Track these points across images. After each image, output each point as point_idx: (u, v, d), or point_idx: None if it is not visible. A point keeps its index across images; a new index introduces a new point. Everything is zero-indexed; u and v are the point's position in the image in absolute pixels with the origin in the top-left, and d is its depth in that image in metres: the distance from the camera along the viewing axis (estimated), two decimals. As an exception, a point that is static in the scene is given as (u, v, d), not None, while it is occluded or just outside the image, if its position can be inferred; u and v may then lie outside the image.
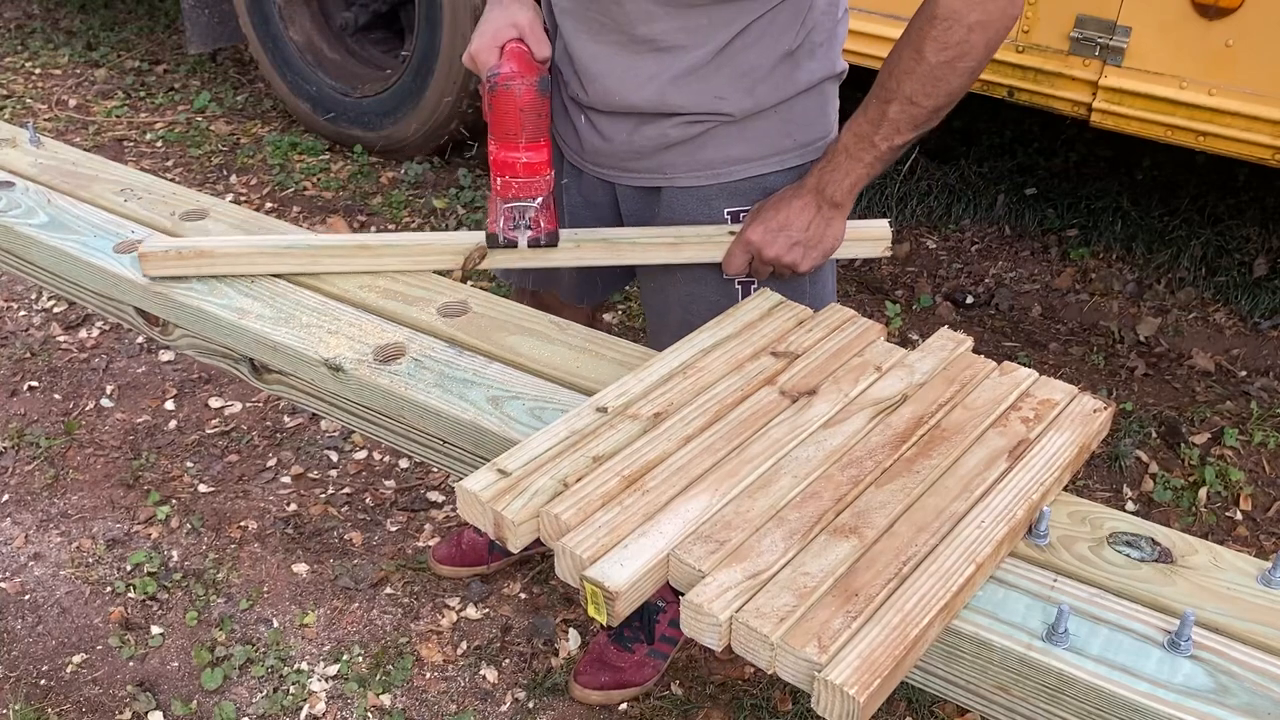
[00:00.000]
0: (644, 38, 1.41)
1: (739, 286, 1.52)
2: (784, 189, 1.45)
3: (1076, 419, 1.13)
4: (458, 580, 2.29)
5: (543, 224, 1.44)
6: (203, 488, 2.52)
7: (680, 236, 1.48)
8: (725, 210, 1.51)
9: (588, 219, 1.63)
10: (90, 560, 2.33)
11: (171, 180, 2.31)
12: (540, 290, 1.85)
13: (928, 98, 1.32)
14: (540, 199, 1.41)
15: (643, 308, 1.76)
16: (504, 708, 2.05)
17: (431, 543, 2.38)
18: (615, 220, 1.62)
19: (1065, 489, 1.11)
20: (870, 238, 1.49)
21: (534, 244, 1.44)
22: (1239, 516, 2.48)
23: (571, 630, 2.19)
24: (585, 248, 1.49)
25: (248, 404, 2.77)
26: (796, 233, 1.41)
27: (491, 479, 1.03)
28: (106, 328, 3.04)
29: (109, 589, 2.26)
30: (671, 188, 1.52)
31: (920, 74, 1.31)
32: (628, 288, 2.80)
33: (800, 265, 1.43)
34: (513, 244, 1.45)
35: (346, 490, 2.52)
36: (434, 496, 2.51)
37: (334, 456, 2.61)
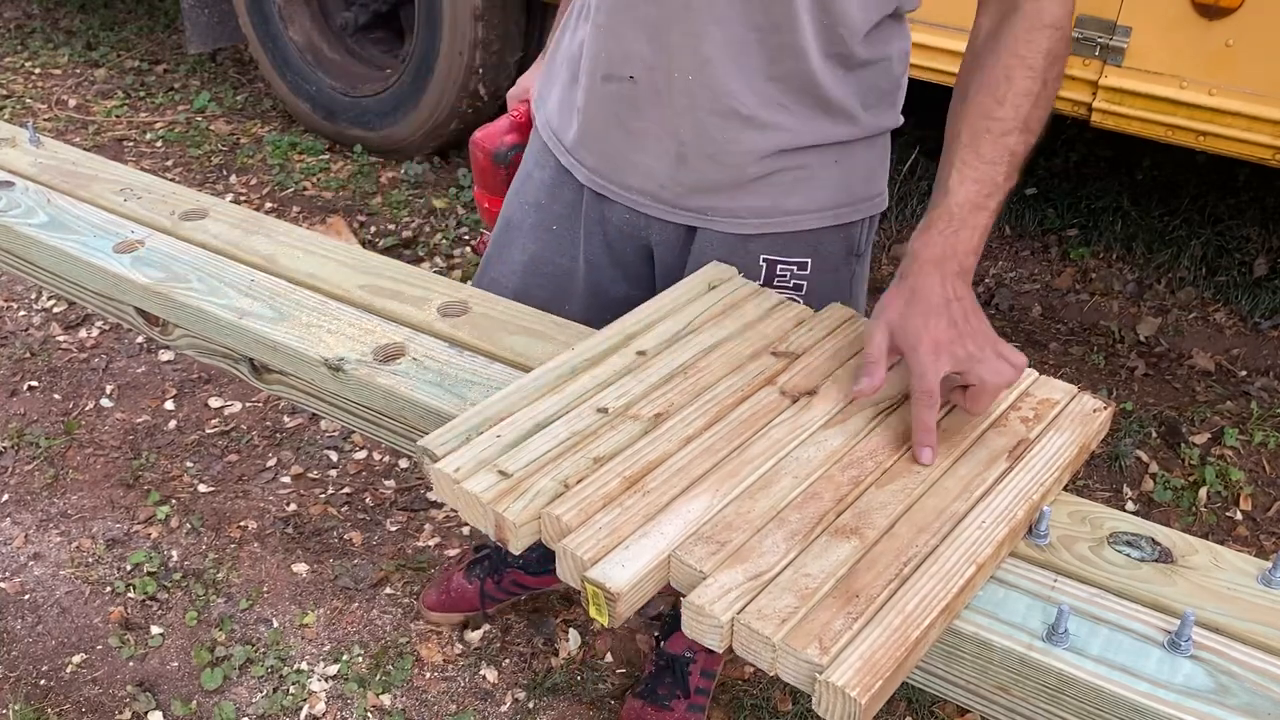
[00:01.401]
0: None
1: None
2: (891, 290, 1.11)
3: (1076, 419, 1.13)
4: (450, 625, 2.21)
5: None
6: (203, 488, 2.52)
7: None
8: (761, 256, 1.38)
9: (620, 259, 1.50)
10: (90, 560, 2.33)
11: (171, 180, 2.31)
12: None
13: (1041, 122, 1.14)
14: None
15: None
16: (504, 708, 2.05)
17: (432, 543, 2.38)
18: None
19: (1065, 489, 1.11)
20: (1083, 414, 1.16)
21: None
22: (1239, 516, 2.48)
23: (572, 630, 2.19)
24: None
25: (248, 404, 2.77)
26: (985, 345, 1.07)
27: (492, 480, 1.03)
28: (106, 328, 3.04)
29: (109, 589, 2.26)
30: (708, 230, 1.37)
31: (1044, 99, 1.14)
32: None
33: (990, 378, 1.07)
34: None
35: (346, 490, 2.52)
36: (434, 496, 2.51)
37: (334, 456, 2.61)
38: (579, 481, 1.03)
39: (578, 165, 1.45)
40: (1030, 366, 1.21)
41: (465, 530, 2.42)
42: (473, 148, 1.67)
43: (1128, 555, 1.03)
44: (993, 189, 1.11)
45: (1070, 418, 1.13)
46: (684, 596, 0.92)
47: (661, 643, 2.04)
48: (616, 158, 1.40)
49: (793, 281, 1.39)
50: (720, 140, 1.32)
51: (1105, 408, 1.14)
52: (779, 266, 1.40)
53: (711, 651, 2.05)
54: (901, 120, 1.44)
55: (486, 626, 2.20)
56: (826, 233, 1.38)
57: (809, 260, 1.39)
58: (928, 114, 4.07)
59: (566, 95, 1.46)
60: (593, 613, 0.94)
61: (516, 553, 1.02)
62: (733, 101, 1.29)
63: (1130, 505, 2.47)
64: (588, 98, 1.39)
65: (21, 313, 3.12)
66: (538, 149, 1.53)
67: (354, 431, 1.84)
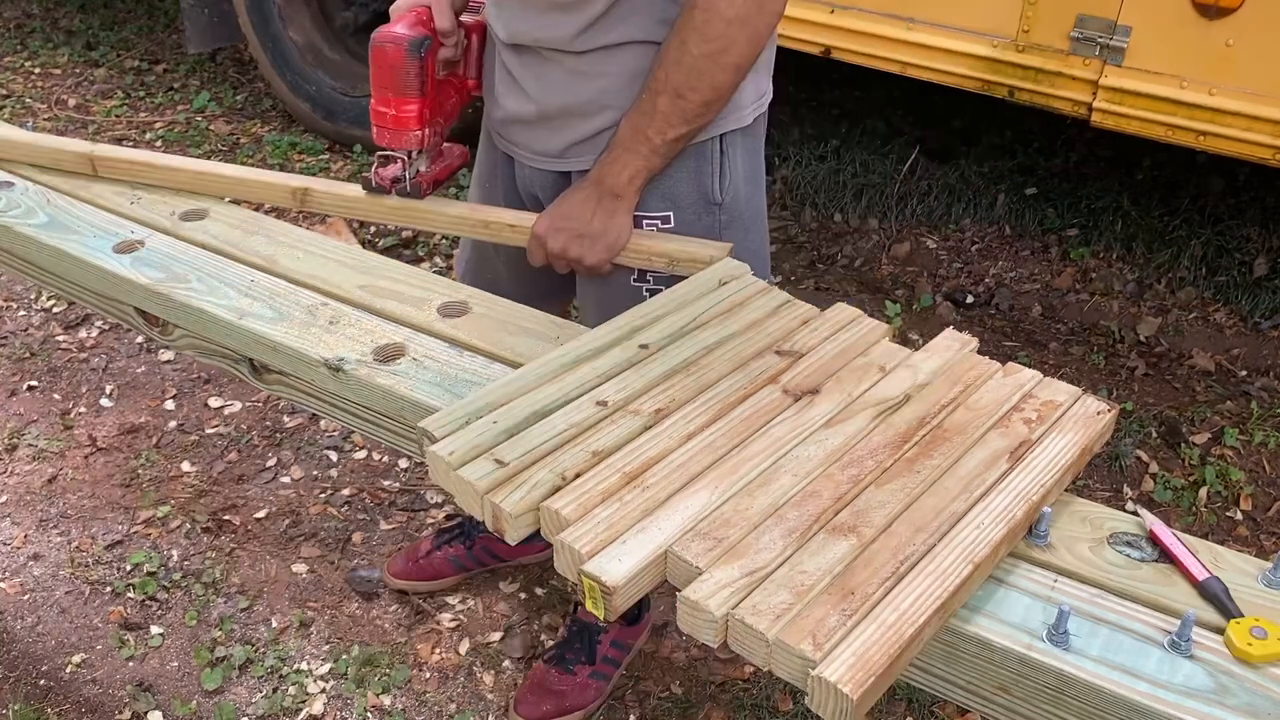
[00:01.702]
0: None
1: (646, 294, 1.52)
2: (574, 185, 1.49)
3: (1079, 421, 1.13)
4: (416, 594, 2.27)
5: (413, 177, 1.58)
6: (202, 488, 2.52)
7: (491, 218, 1.55)
8: None
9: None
10: (90, 560, 2.33)
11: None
12: (492, 289, 1.88)
13: (693, 91, 1.36)
14: (413, 152, 1.56)
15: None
16: (503, 709, 2.05)
17: (431, 543, 2.38)
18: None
19: (1066, 489, 1.11)
20: (700, 259, 1.45)
21: (401, 193, 1.58)
22: (1239, 516, 2.48)
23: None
24: (414, 215, 1.58)
25: (247, 404, 2.77)
26: (579, 225, 1.45)
27: (489, 468, 1.03)
28: (106, 327, 3.04)
29: (108, 589, 2.26)
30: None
31: (685, 66, 1.35)
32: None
33: (585, 259, 1.45)
34: (383, 189, 1.58)
35: (346, 490, 2.52)
36: (434, 496, 2.50)
37: (334, 456, 2.61)
38: (578, 475, 1.03)
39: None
40: (1030, 367, 1.21)
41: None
42: (380, 45, 1.51)
43: (1128, 555, 1.03)
44: (642, 138, 1.40)
45: (1073, 419, 1.13)
46: (679, 591, 0.92)
47: (576, 610, 2.09)
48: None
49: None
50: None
51: (1109, 410, 1.14)
52: (644, 222, 1.52)
53: (630, 624, 2.06)
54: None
55: (486, 627, 2.20)
56: (680, 183, 1.51)
57: (670, 214, 1.52)
58: (927, 114, 4.08)
59: None
60: (590, 606, 0.95)
61: (513, 544, 1.02)
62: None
63: (1130, 505, 2.47)
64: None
65: (21, 313, 3.12)
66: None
67: (354, 431, 1.84)
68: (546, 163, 1.58)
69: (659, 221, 1.52)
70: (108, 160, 1.65)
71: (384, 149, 1.56)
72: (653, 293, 1.52)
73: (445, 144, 1.64)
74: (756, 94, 1.54)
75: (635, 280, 1.54)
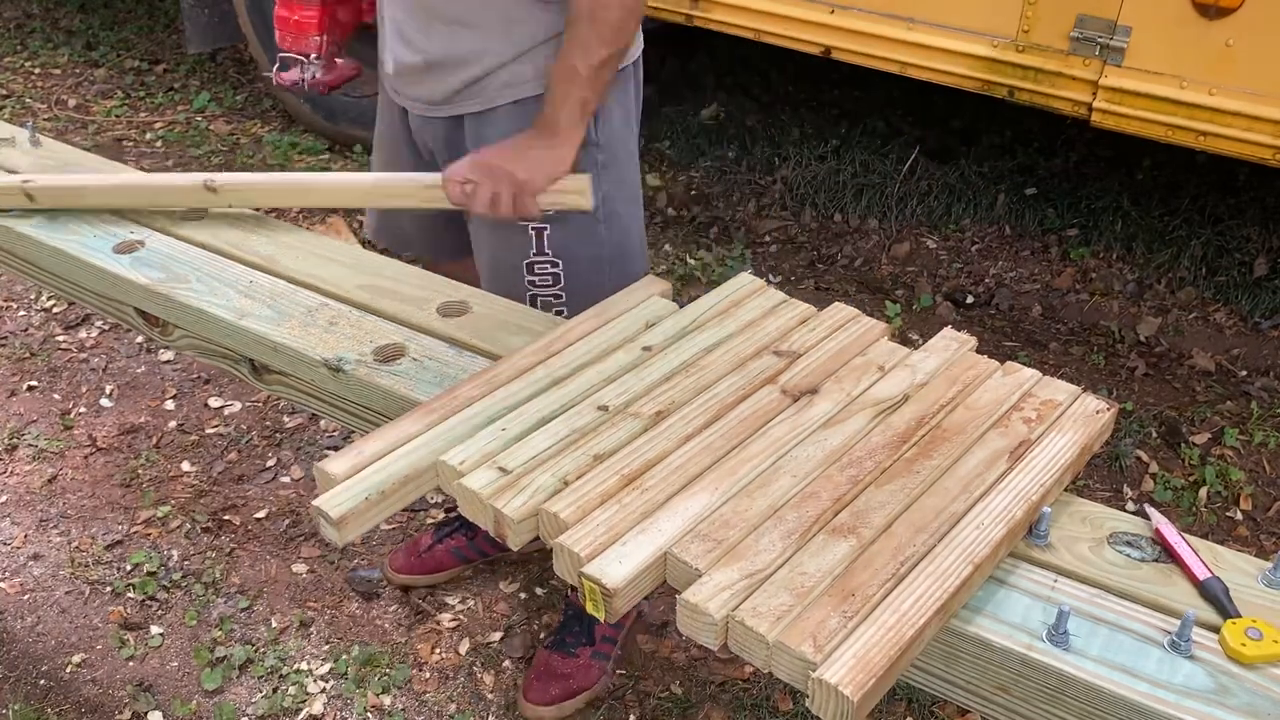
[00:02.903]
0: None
1: (532, 233, 1.61)
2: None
3: (1079, 420, 1.13)
4: (418, 588, 2.28)
5: (312, 80, 1.68)
6: (202, 488, 2.52)
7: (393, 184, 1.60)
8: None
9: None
10: (89, 560, 2.33)
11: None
12: (404, 250, 1.96)
13: (605, 9, 1.44)
14: (313, 55, 1.67)
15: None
16: (503, 709, 2.05)
17: (431, 543, 2.38)
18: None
19: (1066, 489, 1.11)
20: (571, 190, 1.54)
21: (301, 92, 1.69)
22: (1239, 516, 2.48)
23: (571, 630, 2.19)
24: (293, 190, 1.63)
25: (247, 404, 2.77)
26: (520, 149, 1.51)
27: (492, 477, 1.03)
28: (106, 328, 3.04)
29: (108, 589, 2.26)
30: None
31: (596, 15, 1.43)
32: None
33: (519, 172, 1.49)
34: (286, 88, 1.68)
35: (346, 490, 2.52)
36: (433, 496, 2.50)
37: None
38: (578, 478, 1.03)
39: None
40: (1030, 366, 1.21)
41: (465, 530, 2.42)
42: None
43: (1128, 555, 1.03)
44: (571, 71, 1.47)
45: (1072, 419, 1.13)
46: (679, 594, 0.92)
47: (571, 594, 2.11)
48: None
49: None
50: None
51: (1108, 409, 1.14)
52: None
53: None
54: None
55: (486, 627, 2.20)
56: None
57: None
58: (927, 114, 4.07)
59: None
60: (590, 609, 0.95)
61: (515, 549, 1.02)
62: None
63: (1130, 505, 2.47)
64: None
65: (21, 313, 3.12)
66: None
67: (354, 431, 1.85)
68: (436, 109, 1.65)
69: None
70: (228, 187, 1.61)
71: (285, 52, 1.64)
72: (539, 231, 1.61)
73: (339, 59, 1.73)
74: None
75: (520, 220, 1.59)
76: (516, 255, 1.63)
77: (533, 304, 1.65)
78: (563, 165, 1.51)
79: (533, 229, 1.61)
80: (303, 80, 1.65)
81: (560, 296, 1.67)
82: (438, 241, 1.87)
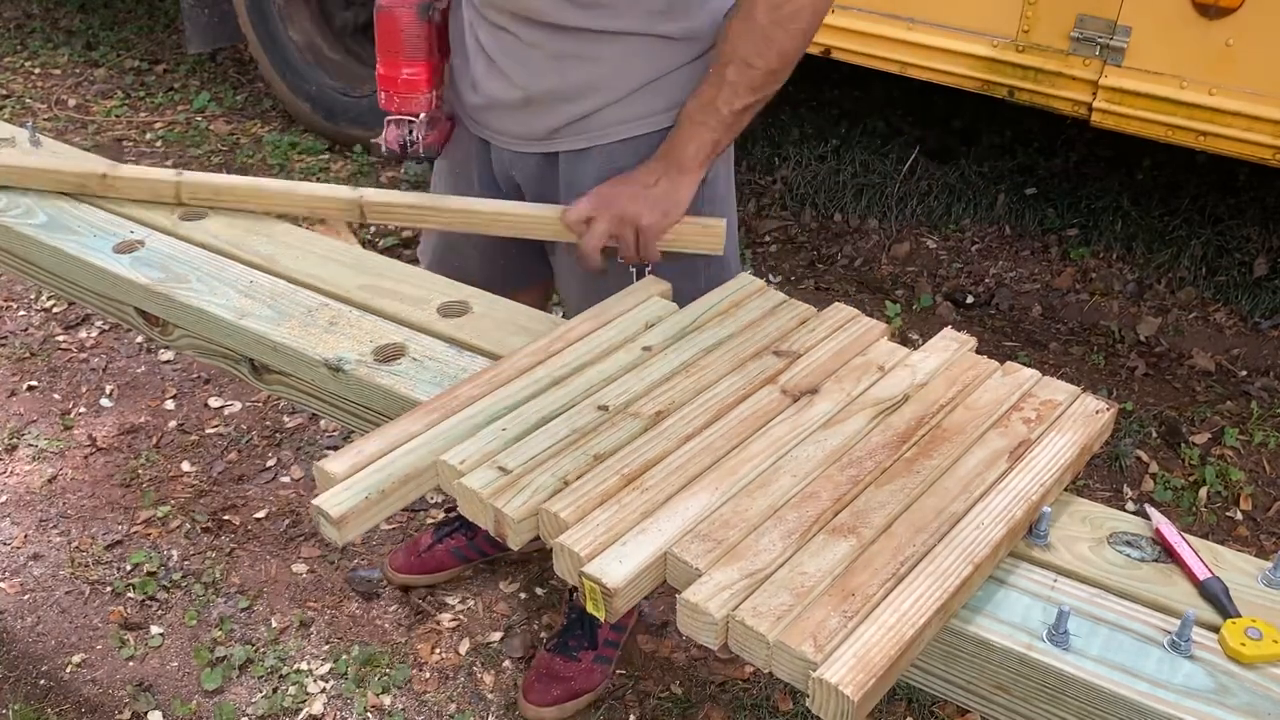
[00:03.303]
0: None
1: (633, 270, 1.53)
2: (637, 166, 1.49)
3: (1079, 420, 1.13)
4: (418, 587, 2.28)
5: (424, 140, 1.57)
6: (202, 488, 2.52)
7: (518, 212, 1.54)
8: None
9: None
10: (90, 560, 2.33)
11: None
12: (459, 278, 1.89)
13: (760, 58, 1.37)
14: (422, 115, 1.56)
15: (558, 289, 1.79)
16: (503, 709, 2.05)
17: (431, 543, 2.38)
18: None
19: (1066, 489, 1.11)
20: (706, 236, 1.49)
21: (413, 156, 1.58)
22: (1239, 516, 2.48)
23: (571, 630, 2.18)
24: (425, 212, 1.57)
25: (247, 404, 2.77)
26: (642, 187, 1.44)
27: (492, 476, 1.03)
28: (106, 328, 3.04)
29: (108, 589, 2.26)
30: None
31: (753, 34, 1.36)
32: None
33: (642, 217, 1.43)
34: (394, 154, 1.57)
35: (346, 490, 2.52)
36: (433, 496, 2.51)
37: (334, 456, 2.61)
38: (578, 478, 1.03)
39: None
40: (1030, 366, 1.21)
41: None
42: (388, 10, 1.51)
43: (1128, 555, 1.03)
44: (710, 110, 1.41)
45: (1072, 419, 1.13)
46: (679, 593, 0.92)
47: (573, 597, 2.11)
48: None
49: None
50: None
51: (1108, 409, 1.14)
52: None
53: None
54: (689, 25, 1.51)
55: (486, 627, 2.20)
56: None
57: None
58: (927, 114, 4.08)
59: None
60: (590, 608, 0.95)
61: (515, 549, 1.02)
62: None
63: (1130, 505, 2.47)
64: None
65: (21, 313, 3.12)
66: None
67: (354, 431, 1.85)
68: (529, 145, 1.58)
69: None
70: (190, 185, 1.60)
71: (393, 114, 1.55)
72: (639, 268, 1.53)
73: (441, 110, 1.65)
74: None
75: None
76: (615, 290, 1.49)
77: None
78: (682, 207, 1.45)
79: (633, 266, 1.52)
80: (414, 143, 1.56)
81: None
82: (502, 272, 1.78)
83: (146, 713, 2.03)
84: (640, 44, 1.47)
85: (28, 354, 2.94)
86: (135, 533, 2.40)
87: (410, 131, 1.56)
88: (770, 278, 3.30)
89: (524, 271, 1.75)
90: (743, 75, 1.38)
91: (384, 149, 1.57)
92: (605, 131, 1.53)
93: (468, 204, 1.57)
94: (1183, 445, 2.66)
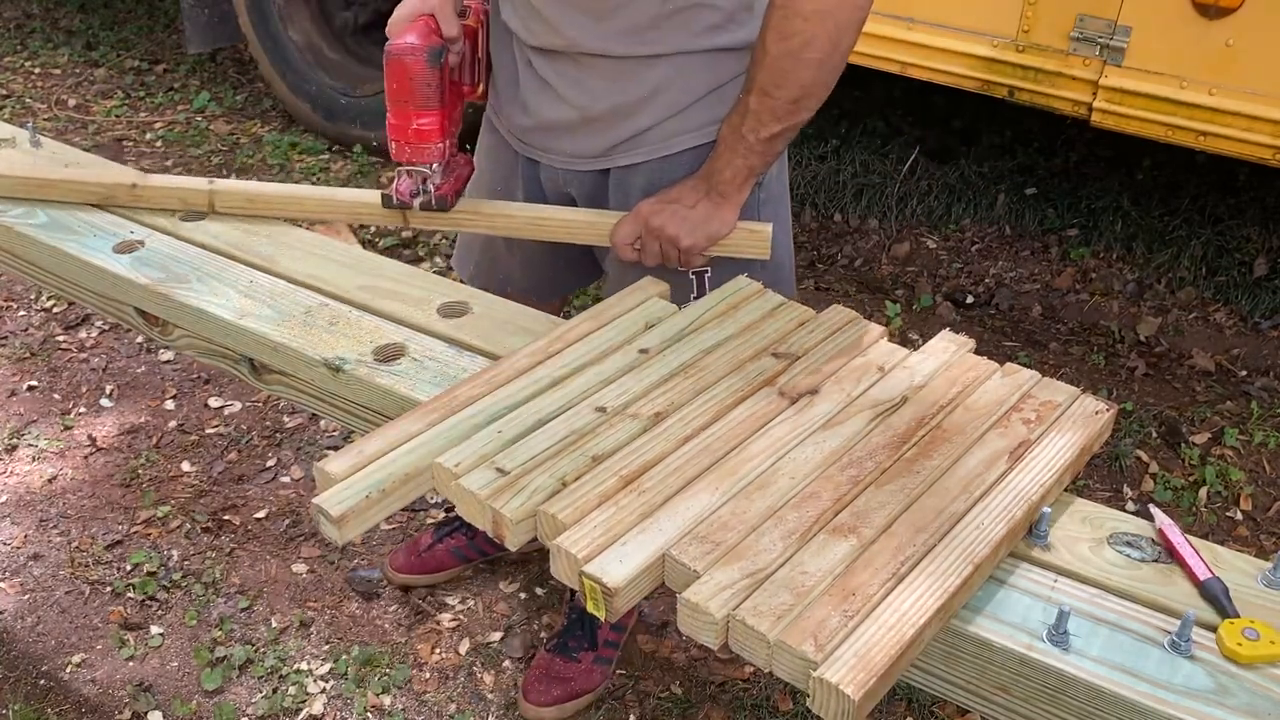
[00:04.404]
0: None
1: (693, 277, 1.54)
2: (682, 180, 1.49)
3: (1078, 420, 1.13)
4: (419, 587, 2.28)
5: (436, 190, 1.52)
6: (202, 488, 2.52)
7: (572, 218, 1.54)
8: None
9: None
10: (90, 560, 2.33)
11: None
12: (500, 288, 1.88)
13: (778, 88, 1.35)
14: (434, 164, 1.50)
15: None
16: (503, 709, 2.05)
17: (431, 543, 2.38)
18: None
19: (1066, 489, 1.11)
20: (752, 242, 1.49)
21: (425, 207, 1.53)
22: (1239, 516, 2.48)
23: (571, 630, 2.18)
24: (482, 217, 1.56)
25: (247, 404, 2.77)
26: (684, 208, 1.44)
27: (490, 477, 1.03)
28: (106, 328, 3.04)
29: (108, 589, 2.26)
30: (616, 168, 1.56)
31: (766, 65, 1.34)
32: (594, 286, 2.76)
33: (682, 239, 1.43)
34: (405, 205, 1.52)
35: (346, 490, 2.52)
36: (433, 496, 2.50)
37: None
38: (576, 479, 1.03)
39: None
40: (1030, 367, 1.22)
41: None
42: (397, 58, 1.42)
43: (1128, 555, 1.03)
44: (738, 136, 1.40)
45: (1072, 419, 1.13)
46: (679, 594, 0.92)
47: (573, 597, 2.11)
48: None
49: None
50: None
51: (1107, 410, 1.14)
52: None
53: None
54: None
55: (486, 627, 2.20)
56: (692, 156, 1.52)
57: None
58: (927, 114, 4.07)
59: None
60: (591, 608, 0.95)
61: (513, 550, 1.02)
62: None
63: (1130, 505, 2.47)
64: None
65: (21, 313, 3.12)
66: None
67: (354, 431, 1.85)
68: (585, 164, 1.57)
69: None
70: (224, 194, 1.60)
71: (405, 164, 1.50)
72: (699, 275, 1.53)
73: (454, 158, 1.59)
74: None
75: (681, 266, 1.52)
76: (676, 299, 1.49)
77: None
78: (726, 226, 1.45)
79: (693, 274, 1.54)
80: (429, 193, 1.51)
81: None
82: (545, 280, 1.80)
83: (146, 713, 2.03)
84: (698, 59, 1.46)
85: (28, 354, 2.94)
86: (135, 533, 2.40)
87: (424, 182, 1.51)
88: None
89: (568, 278, 1.77)
90: (764, 104, 1.36)
91: (394, 200, 1.52)
92: (664, 144, 1.52)
93: (514, 209, 1.56)
94: (1183, 445, 2.66)
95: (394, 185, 1.52)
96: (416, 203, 1.52)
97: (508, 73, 1.60)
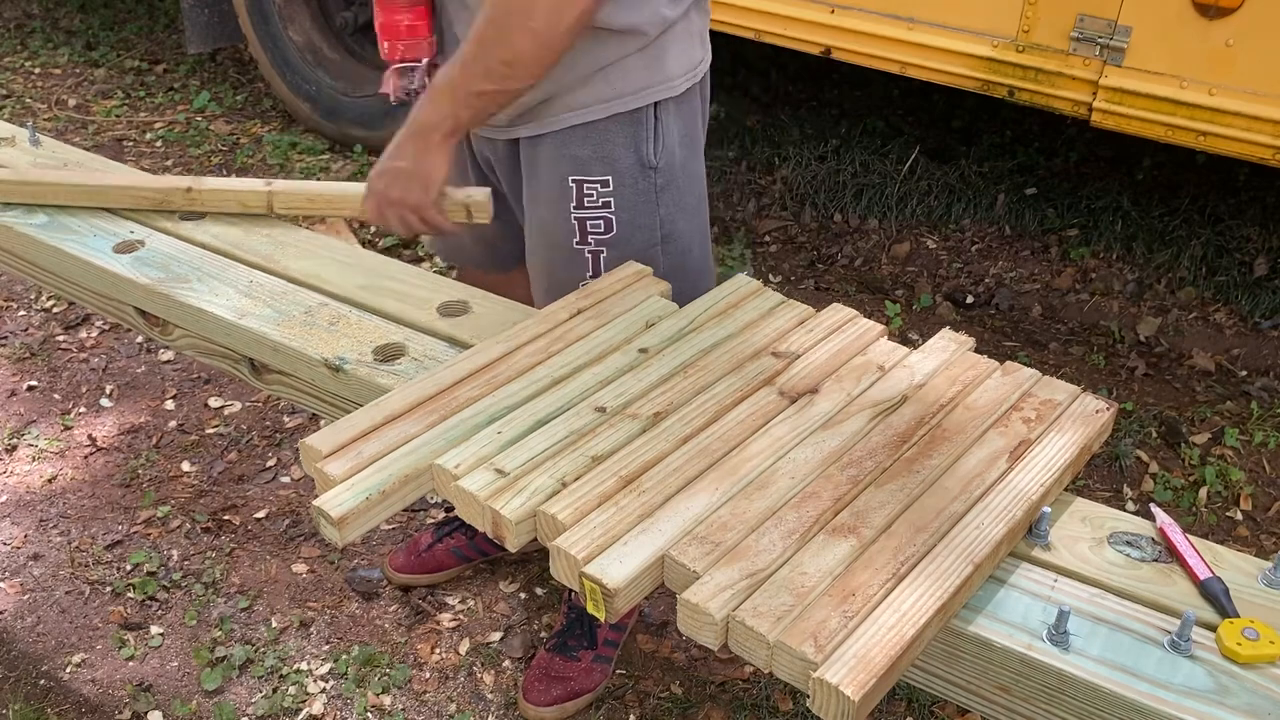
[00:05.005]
0: None
1: (589, 256, 1.58)
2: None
3: (1078, 420, 1.13)
4: (418, 586, 2.28)
5: (422, 86, 1.56)
6: (202, 488, 2.52)
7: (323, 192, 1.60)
8: (570, 178, 1.58)
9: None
10: (90, 560, 2.33)
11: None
12: (476, 268, 1.94)
13: (495, 45, 1.37)
14: (424, 61, 1.55)
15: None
16: (503, 708, 2.05)
17: (431, 543, 2.38)
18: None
19: (1066, 489, 1.11)
20: (469, 204, 1.52)
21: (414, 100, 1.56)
22: (1239, 516, 2.48)
23: (571, 630, 2.18)
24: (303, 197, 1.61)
25: (247, 404, 2.77)
26: (396, 163, 1.46)
27: (490, 478, 1.03)
28: (106, 328, 3.04)
29: (108, 589, 2.26)
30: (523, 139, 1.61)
31: (491, 19, 1.36)
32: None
33: (408, 198, 1.46)
34: (405, 103, 1.55)
35: (346, 490, 2.52)
36: (433, 496, 2.50)
37: (334, 456, 2.61)
38: (576, 480, 1.03)
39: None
40: (1030, 366, 1.22)
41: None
42: None
43: (1128, 555, 1.03)
44: (450, 81, 1.40)
45: (1072, 419, 1.13)
46: (679, 595, 0.92)
47: (573, 597, 2.11)
48: None
49: (600, 200, 1.58)
50: None
51: (1107, 409, 1.14)
52: (585, 185, 1.57)
53: None
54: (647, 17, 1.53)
55: (486, 627, 2.20)
56: (617, 149, 1.56)
57: (609, 178, 1.56)
58: (927, 114, 4.07)
59: None
60: (591, 608, 0.95)
61: (513, 551, 1.02)
62: None
63: (1130, 505, 2.47)
64: None
65: (21, 313, 3.12)
66: None
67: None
68: (496, 132, 1.62)
69: (599, 185, 1.57)
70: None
71: (398, 61, 1.54)
72: (595, 254, 1.57)
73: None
74: (689, 64, 1.59)
75: (578, 243, 1.58)
76: (574, 277, 1.59)
77: None
78: (436, 174, 1.46)
79: (589, 251, 1.58)
80: (418, 91, 1.56)
81: None
82: (492, 252, 1.86)
83: (146, 713, 2.03)
84: (581, 38, 1.49)
85: (28, 354, 2.94)
86: (135, 533, 2.40)
87: (413, 80, 1.56)
88: (770, 278, 3.30)
89: (515, 253, 1.80)
90: (477, 56, 1.38)
91: (393, 99, 1.57)
92: (554, 119, 1.56)
93: (317, 189, 1.63)
94: (1183, 445, 2.66)
95: (387, 85, 1.57)
96: (411, 100, 1.55)
97: (447, 37, 1.66)
